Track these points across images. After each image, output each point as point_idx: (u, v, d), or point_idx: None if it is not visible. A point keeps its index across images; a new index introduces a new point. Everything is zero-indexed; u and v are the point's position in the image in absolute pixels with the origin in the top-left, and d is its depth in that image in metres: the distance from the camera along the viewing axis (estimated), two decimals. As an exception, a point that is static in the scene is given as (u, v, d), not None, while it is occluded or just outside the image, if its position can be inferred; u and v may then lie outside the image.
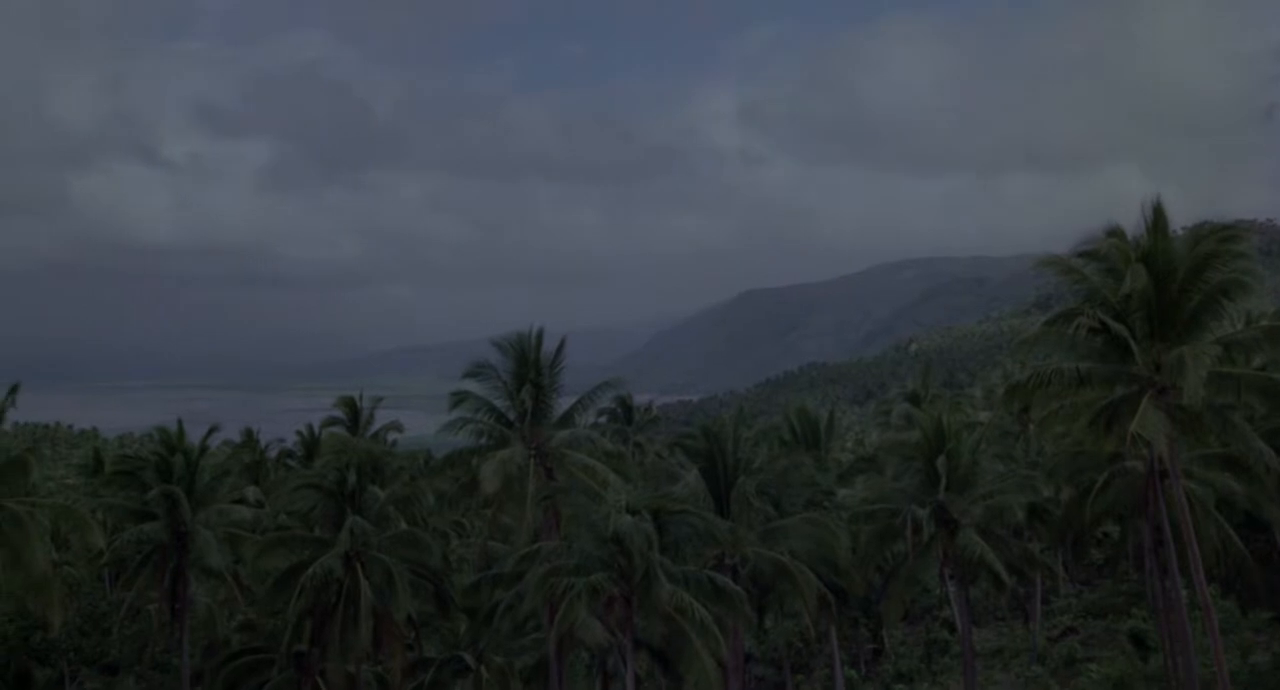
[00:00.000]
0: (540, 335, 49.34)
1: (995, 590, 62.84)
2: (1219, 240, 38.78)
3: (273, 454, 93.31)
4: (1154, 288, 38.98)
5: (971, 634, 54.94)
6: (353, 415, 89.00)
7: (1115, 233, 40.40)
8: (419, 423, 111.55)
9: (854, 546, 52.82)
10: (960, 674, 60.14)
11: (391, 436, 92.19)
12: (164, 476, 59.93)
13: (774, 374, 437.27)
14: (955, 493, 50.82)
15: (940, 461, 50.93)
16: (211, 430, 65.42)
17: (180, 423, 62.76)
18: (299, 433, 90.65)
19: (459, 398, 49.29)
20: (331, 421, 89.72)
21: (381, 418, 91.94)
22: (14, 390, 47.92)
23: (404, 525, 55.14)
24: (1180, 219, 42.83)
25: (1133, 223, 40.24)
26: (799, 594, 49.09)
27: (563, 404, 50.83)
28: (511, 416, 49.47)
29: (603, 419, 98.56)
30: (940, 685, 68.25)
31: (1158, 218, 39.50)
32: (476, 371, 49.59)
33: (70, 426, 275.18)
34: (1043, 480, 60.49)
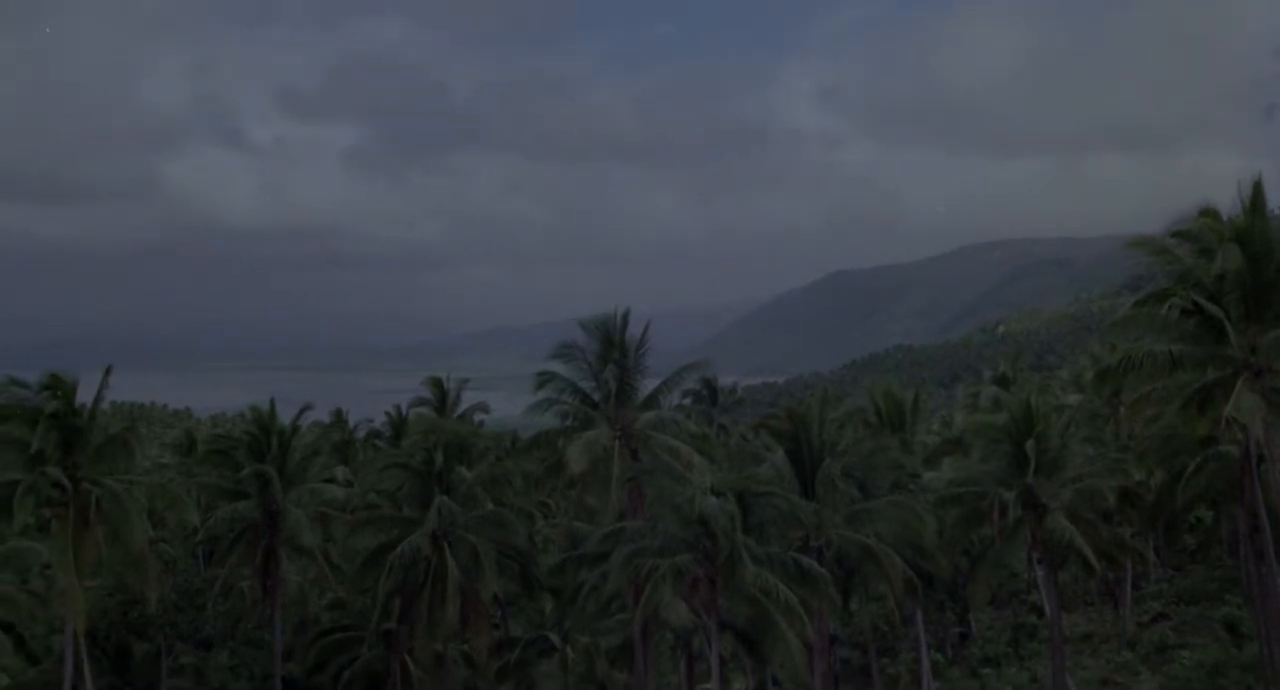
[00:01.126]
0: (626, 317, 49.42)
1: (1084, 575, 62.15)
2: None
3: (361, 434, 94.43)
4: (1249, 268, 38.23)
5: (1060, 619, 54.36)
6: (440, 396, 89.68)
7: (1208, 212, 39.69)
8: (505, 404, 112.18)
9: (940, 530, 52.37)
10: (1049, 659, 59.56)
11: (478, 417, 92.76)
12: (256, 456, 60.87)
13: (860, 356, 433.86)
14: (1044, 476, 50.23)
15: (1029, 445, 50.34)
16: (303, 410, 66.35)
17: (272, 402, 63.66)
18: (387, 413, 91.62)
19: (545, 379, 49.51)
20: (419, 402, 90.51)
21: (468, 399, 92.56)
22: (108, 372, 48.86)
23: (490, 505, 55.58)
24: (1273, 199, 41.96)
25: (1225, 203, 39.51)
26: (884, 577, 48.84)
27: (648, 386, 50.87)
28: (597, 398, 49.60)
29: (687, 401, 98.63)
30: (1028, 670, 67.62)
31: (1256, 196, 38.69)
32: (562, 353, 49.79)
33: (164, 406, 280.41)
34: (1134, 464, 59.61)
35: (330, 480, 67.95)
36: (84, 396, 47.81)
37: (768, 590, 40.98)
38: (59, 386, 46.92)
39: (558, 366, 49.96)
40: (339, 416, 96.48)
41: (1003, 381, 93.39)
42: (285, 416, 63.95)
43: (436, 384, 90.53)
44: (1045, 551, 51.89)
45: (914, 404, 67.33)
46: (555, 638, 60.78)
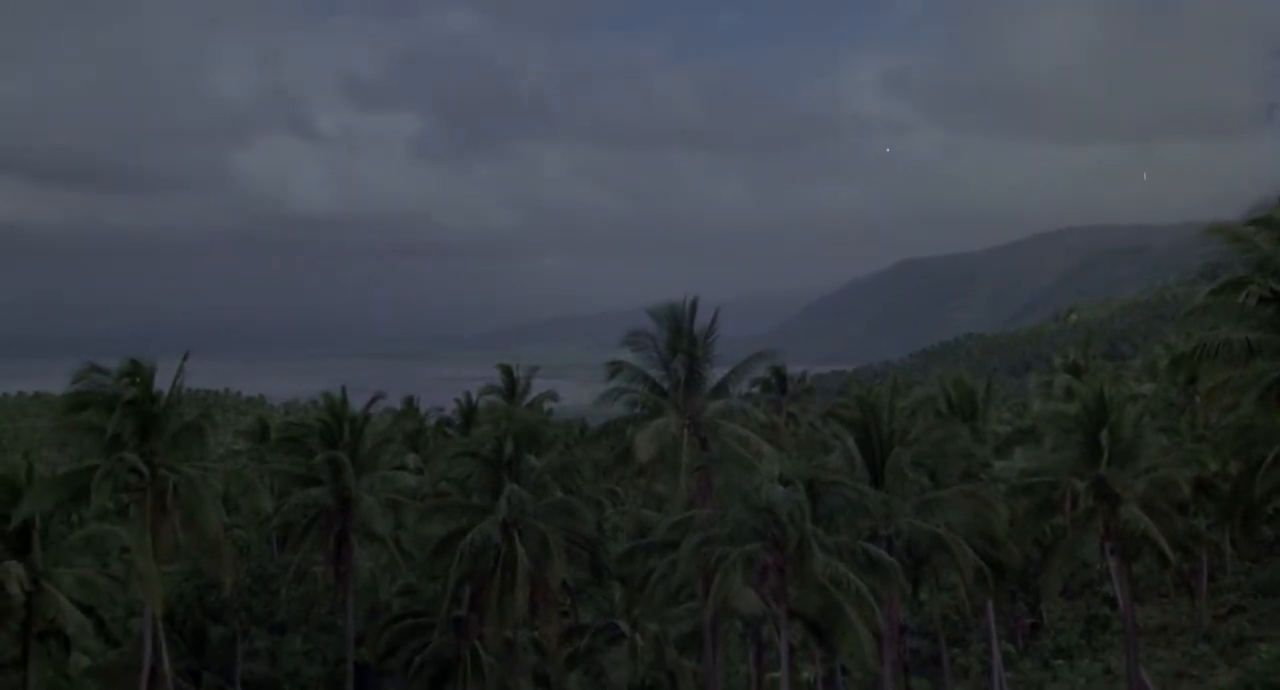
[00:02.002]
0: (694, 305, 49.42)
1: (1159, 566, 61.36)
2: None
3: (431, 422, 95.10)
4: (1330, 255, 37.58)
5: (1134, 611, 53.78)
6: (509, 384, 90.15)
7: (1288, 199, 39.02)
8: (574, 392, 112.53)
9: (1011, 519, 51.98)
10: (1122, 650, 58.97)
11: (547, 405, 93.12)
12: (329, 442, 61.44)
13: (929, 345, 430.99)
14: (1117, 466, 49.70)
15: (1102, 434, 49.83)
16: (374, 398, 66.88)
17: (344, 390, 64.15)
18: (457, 401, 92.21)
19: (615, 368, 49.65)
20: (488, 390, 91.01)
21: (537, 387, 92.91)
22: (185, 359, 49.62)
23: (559, 493, 55.83)
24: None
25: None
26: (955, 567, 48.58)
27: (716, 374, 50.86)
28: (666, 386, 49.67)
29: (756, 389, 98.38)
30: (1101, 662, 67.05)
31: (1336, 182, 37.97)
32: (631, 341, 49.90)
33: (237, 393, 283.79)
34: (1209, 454, 58.81)
35: (401, 467, 68.46)
36: (160, 383, 48.62)
37: (837, 579, 40.94)
38: (137, 373, 47.68)
39: (627, 355, 50.09)
40: (410, 404, 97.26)
41: (1075, 370, 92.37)
42: (356, 404, 64.50)
43: (506, 372, 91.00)
44: (1118, 542, 51.40)
45: (985, 393, 66.80)
46: (624, 625, 60.98)
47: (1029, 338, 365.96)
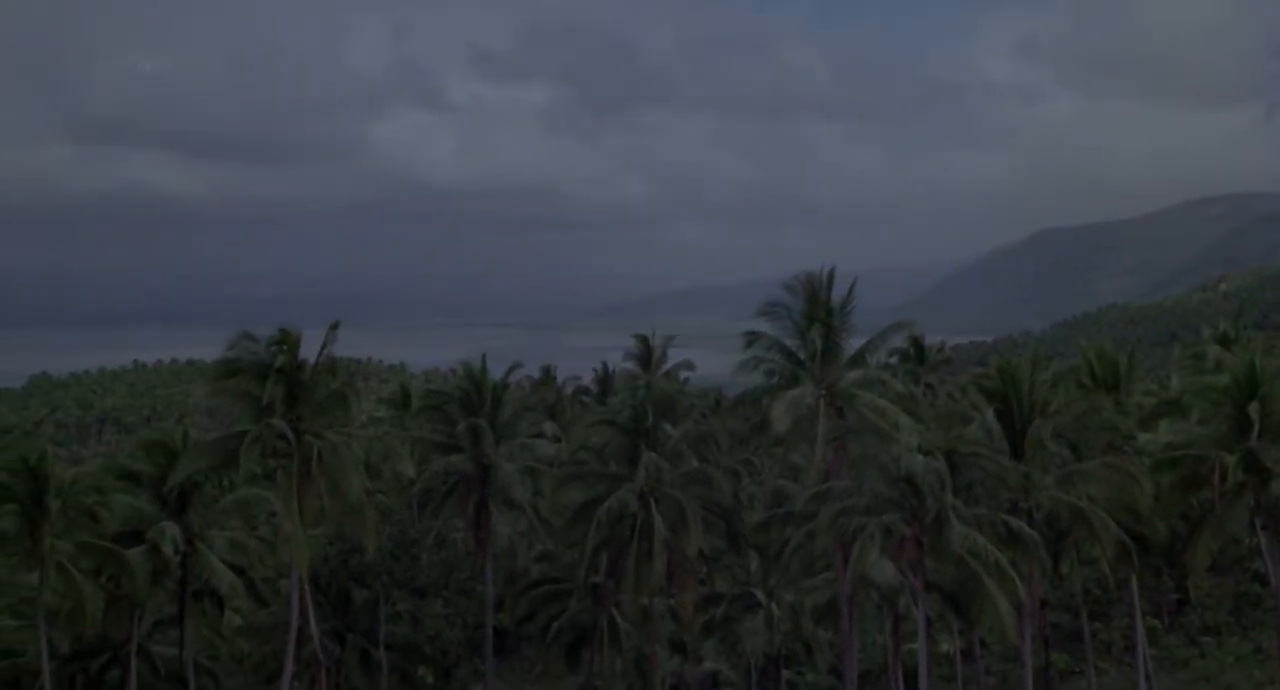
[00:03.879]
0: (832, 275, 49.13)
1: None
2: None
3: (569, 390, 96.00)
4: None
5: (1285, 588, 52.37)
6: (645, 353, 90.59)
7: None
8: (710, 361, 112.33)
9: (1156, 493, 50.89)
10: (1273, 629, 57.52)
11: (684, 375, 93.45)
12: (469, 410, 62.44)
13: (1070, 315, 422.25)
14: (1269, 440, 48.39)
15: (1252, 407, 48.52)
16: (513, 367, 67.88)
17: (484, 359, 65.05)
18: (595, 370, 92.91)
19: (752, 337, 49.57)
20: (626, 359, 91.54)
21: (673, 356, 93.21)
22: (333, 328, 50.76)
23: (695, 463, 56.04)
24: None
25: None
26: (1097, 541, 47.80)
27: (853, 344, 50.56)
28: (802, 356, 49.47)
29: (893, 359, 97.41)
30: (1252, 641, 65.49)
31: None
32: (768, 311, 49.74)
33: (379, 361, 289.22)
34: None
35: (539, 435, 69.31)
36: (305, 351, 49.84)
37: (976, 551, 40.60)
38: (286, 341, 48.93)
39: (763, 325, 49.98)
40: (547, 373, 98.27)
41: (1224, 341, 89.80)
42: (495, 372, 65.38)
43: (642, 341, 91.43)
44: (1270, 517, 50.09)
45: (1128, 364, 65.32)
46: (760, 594, 61.09)
47: (1174, 308, 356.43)
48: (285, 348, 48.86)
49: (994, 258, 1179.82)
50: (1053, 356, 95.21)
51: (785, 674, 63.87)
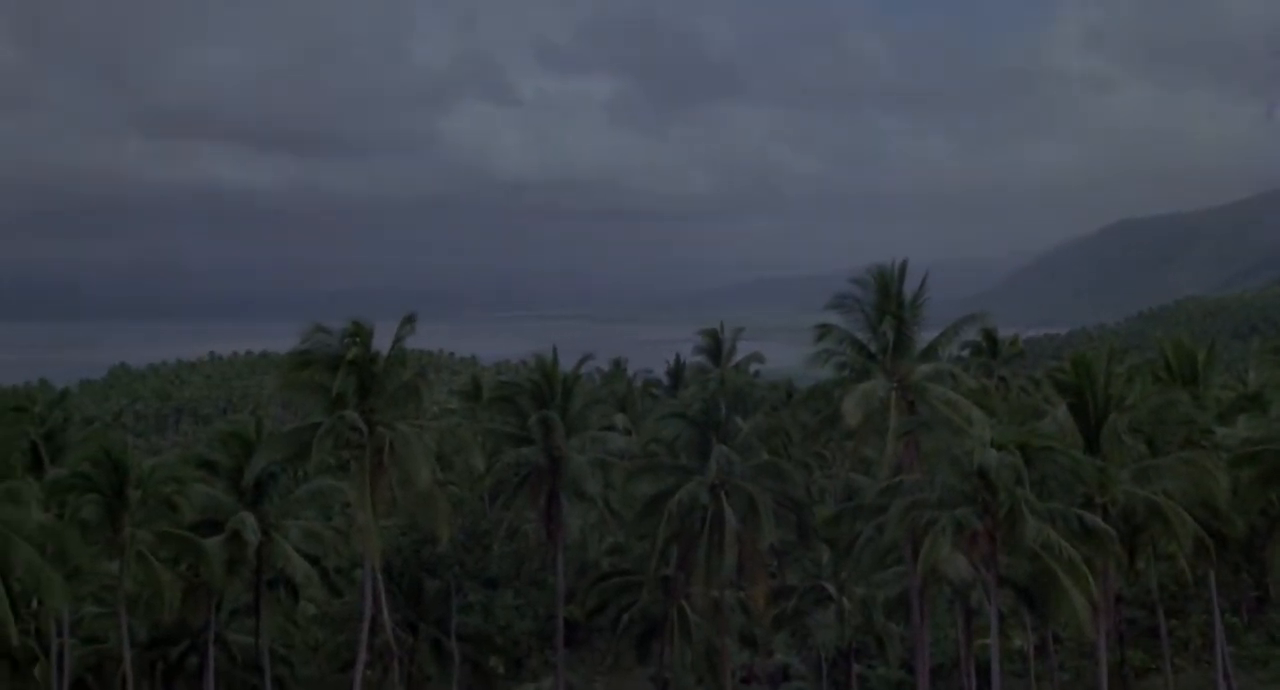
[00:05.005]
0: (903, 268, 48.83)
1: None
2: None
3: (639, 383, 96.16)
4: None
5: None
6: (715, 346, 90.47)
7: None
8: (780, 354, 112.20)
9: (1234, 489, 50.16)
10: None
11: (754, 367, 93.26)
12: (539, 402, 62.65)
13: (1146, 308, 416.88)
14: (1351, 435, 47.57)
15: (1335, 401, 47.73)
16: (584, 360, 67.99)
17: (554, 351, 65.26)
18: (667, 362, 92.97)
19: (823, 330, 49.32)
20: (696, 352, 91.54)
21: (743, 349, 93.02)
22: (409, 320, 51.10)
23: (766, 456, 55.96)
24: None
25: None
26: (1173, 536, 47.24)
27: (925, 337, 50.21)
28: (873, 349, 49.23)
29: (965, 353, 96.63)
30: (1334, 640, 64.40)
31: None
32: (838, 304, 49.50)
33: (450, 354, 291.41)
34: None
35: (610, 428, 69.47)
36: (377, 343, 50.28)
37: (1049, 546, 40.25)
38: (359, 333, 49.40)
39: (833, 317, 49.75)
40: (618, 366, 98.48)
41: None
42: (566, 365, 65.58)
43: (711, 334, 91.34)
44: (1352, 514, 49.21)
45: (1207, 357, 64.42)
46: (831, 587, 61.00)
47: (1254, 301, 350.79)
48: (358, 340, 49.32)
49: (1067, 249, 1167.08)
50: (1128, 350, 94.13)
51: (856, 668, 63.65)
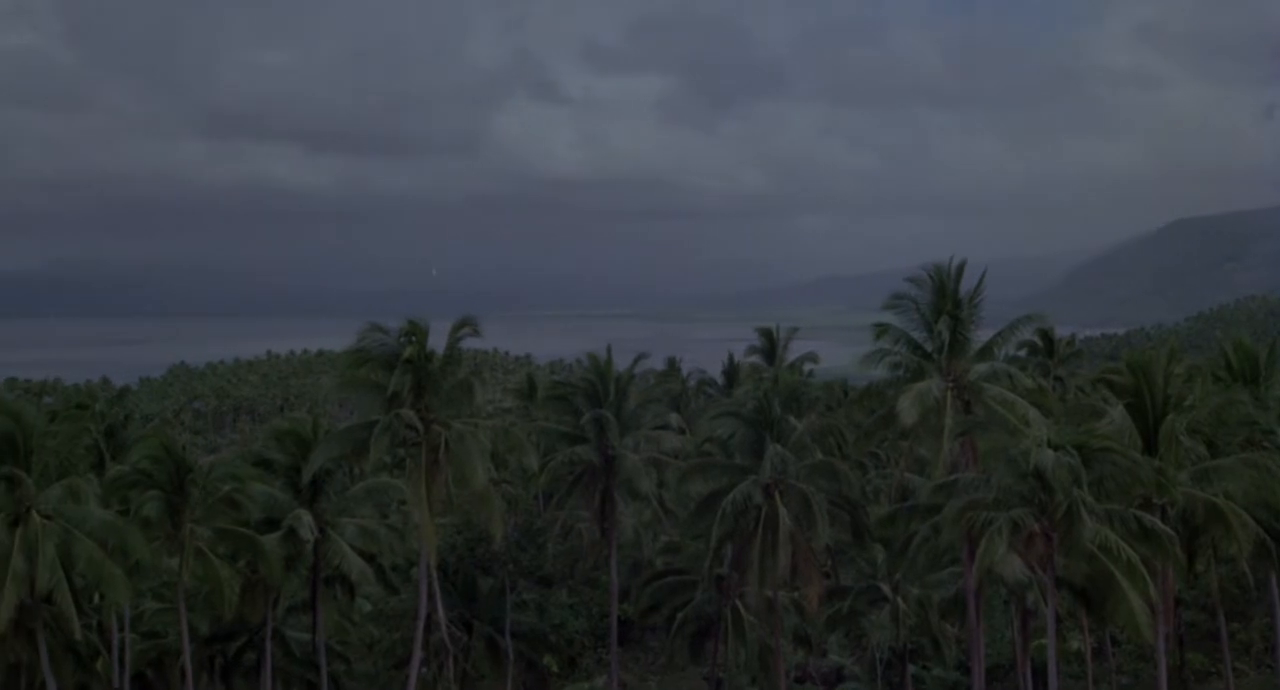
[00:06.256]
0: (961, 267, 48.47)
1: None
2: None
3: (693, 382, 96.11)
4: None
5: None
6: (769, 345, 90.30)
7: None
8: (834, 353, 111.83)
9: (1298, 490, 49.44)
10: None
11: (808, 367, 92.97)
12: (593, 401, 62.80)
13: (1207, 307, 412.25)
14: None
15: (1399, 402, 46.99)
16: (638, 359, 67.97)
17: (609, 350, 65.35)
18: (723, 363, 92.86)
19: (879, 330, 49.06)
20: (751, 351, 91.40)
21: (797, 348, 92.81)
22: (465, 324, 51.28)
23: (820, 455, 55.81)
24: None
25: None
26: (1234, 538, 46.59)
27: (981, 337, 49.85)
28: (929, 349, 48.95)
29: (1022, 352, 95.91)
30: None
31: None
32: (894, 303, 49.24)
33: (505, 353, 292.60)
34: None
35: (664, 427, 69.48)
36: (432, 342, 50.56)
37: (1107, 547, 39.85)
38: (414, 332, 49.71)
39: (889, 317, 49.48)
40: (672, 365, 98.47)
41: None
42: (620, 364, 65.68)
43: (766, 334, 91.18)
44: None
45: (1269, 357, 63.61)
46: (886, 588, 60.68)
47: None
48: (414, 339, 49.62)
49: (1126, 248, 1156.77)
50: (1188, 349, 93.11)
51: (911, 669, 63.31)
